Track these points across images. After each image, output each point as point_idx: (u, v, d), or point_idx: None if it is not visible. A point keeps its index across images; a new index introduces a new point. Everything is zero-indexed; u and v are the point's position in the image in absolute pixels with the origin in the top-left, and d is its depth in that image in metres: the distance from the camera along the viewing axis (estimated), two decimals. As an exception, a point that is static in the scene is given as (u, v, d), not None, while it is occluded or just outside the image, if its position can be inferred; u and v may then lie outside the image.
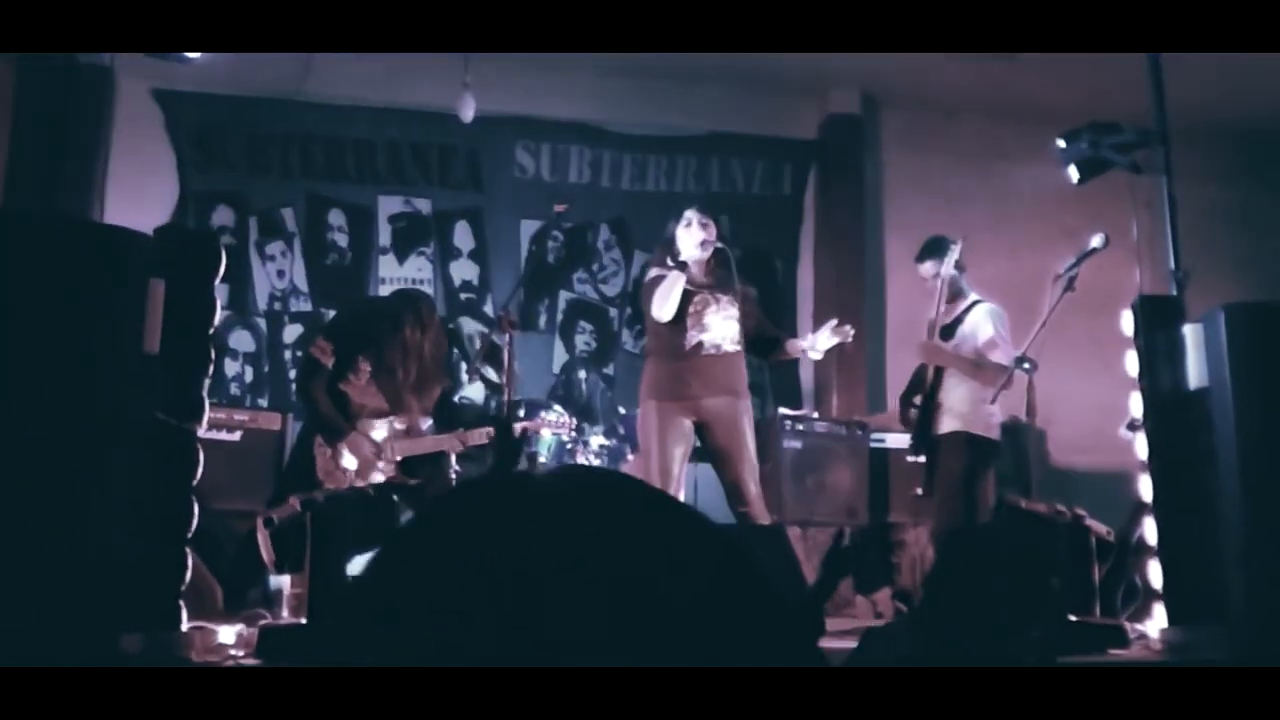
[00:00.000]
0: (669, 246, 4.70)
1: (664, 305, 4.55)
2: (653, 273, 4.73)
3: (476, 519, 1.10)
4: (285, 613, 4.12)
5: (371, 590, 1.18)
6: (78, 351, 3.04)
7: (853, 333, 4.72)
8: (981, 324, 4.94)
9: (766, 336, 4.91)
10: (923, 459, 5.05)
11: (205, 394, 3.35)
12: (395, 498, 4.44)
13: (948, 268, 4.93)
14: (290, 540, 4.19)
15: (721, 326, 4.65)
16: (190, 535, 3.35)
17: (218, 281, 3.37)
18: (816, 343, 4.72)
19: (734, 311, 4.69)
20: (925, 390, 4.95)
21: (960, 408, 4.87)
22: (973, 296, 5.07)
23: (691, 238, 4.65)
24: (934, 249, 5.10)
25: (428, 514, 1.27)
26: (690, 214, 4.73)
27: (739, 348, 4.68)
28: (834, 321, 4.69)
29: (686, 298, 4.61)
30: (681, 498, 4.98)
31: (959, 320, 5.00)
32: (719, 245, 4.72)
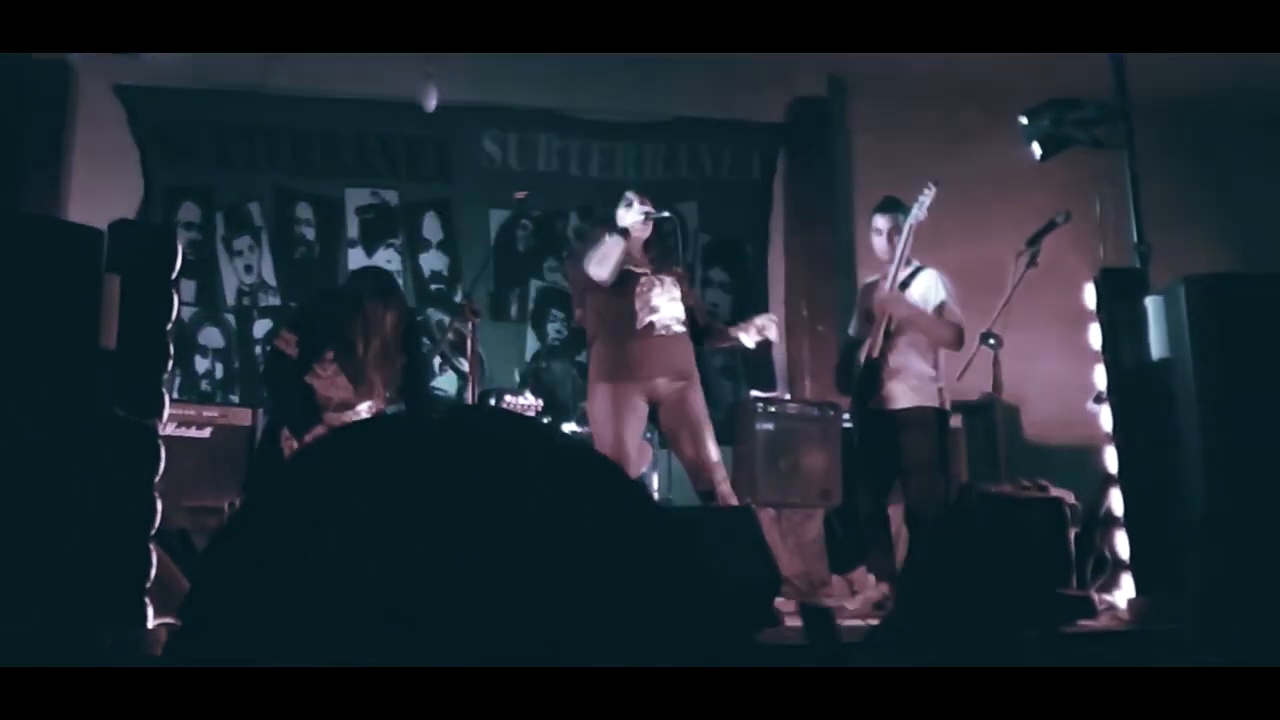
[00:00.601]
0: (609, 226, 4.77)
1: (604, 265, 4.58)
2: (581, 246, 4.83)
3: (359, 458, 1.09)
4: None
5: (244, 532, 1.17)
6: (33, 348, 3.02)
7: (774, 322, 4.80)
8: (932, 287, 4.94)
9: (699, 324, 4.94)
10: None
11: (164, 389, 3.32)
12: None
13: (917, 217, 4.88)
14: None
15: (669, 307, 4.70)
16: (154, 532, 3.34)
17: (175, 275, 3.35)
18: (741, 339, 4.77)
19: (677, 292, 4.75)
20: (871, 356, 4.89)
21: (912, 378, 4.86)
22: (915, 263, 5.07)
23: (631, 214, 4.75)
24: (891, 205, 5.11)
25: (305, 453, 1.27)
26: (629, 194, 4.88)
27: (685, 329, 4.73)
28: (758, 320, 4.77)
29: (631, 278, 4.65)
30: (654, 490, 5.00)
31: (906, 284, 4.98)
32: (664, 215, 4.83)
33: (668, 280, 4.73)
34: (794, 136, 7.71)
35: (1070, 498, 4.11)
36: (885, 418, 4.87)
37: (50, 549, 2.96)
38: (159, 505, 3.30)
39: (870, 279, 5.30)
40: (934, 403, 4.85)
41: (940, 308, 4.88)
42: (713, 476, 4.56)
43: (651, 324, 4.62)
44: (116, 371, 3.17)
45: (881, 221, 5.07)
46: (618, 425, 4.53)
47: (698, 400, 4.66)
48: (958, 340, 4.83)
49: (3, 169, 6.54)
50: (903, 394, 4.85)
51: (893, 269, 4.91)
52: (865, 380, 4.92)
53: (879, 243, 5.08)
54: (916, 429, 4.80)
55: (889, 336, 4.88)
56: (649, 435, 5.23)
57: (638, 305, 4.61)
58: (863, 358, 4.94)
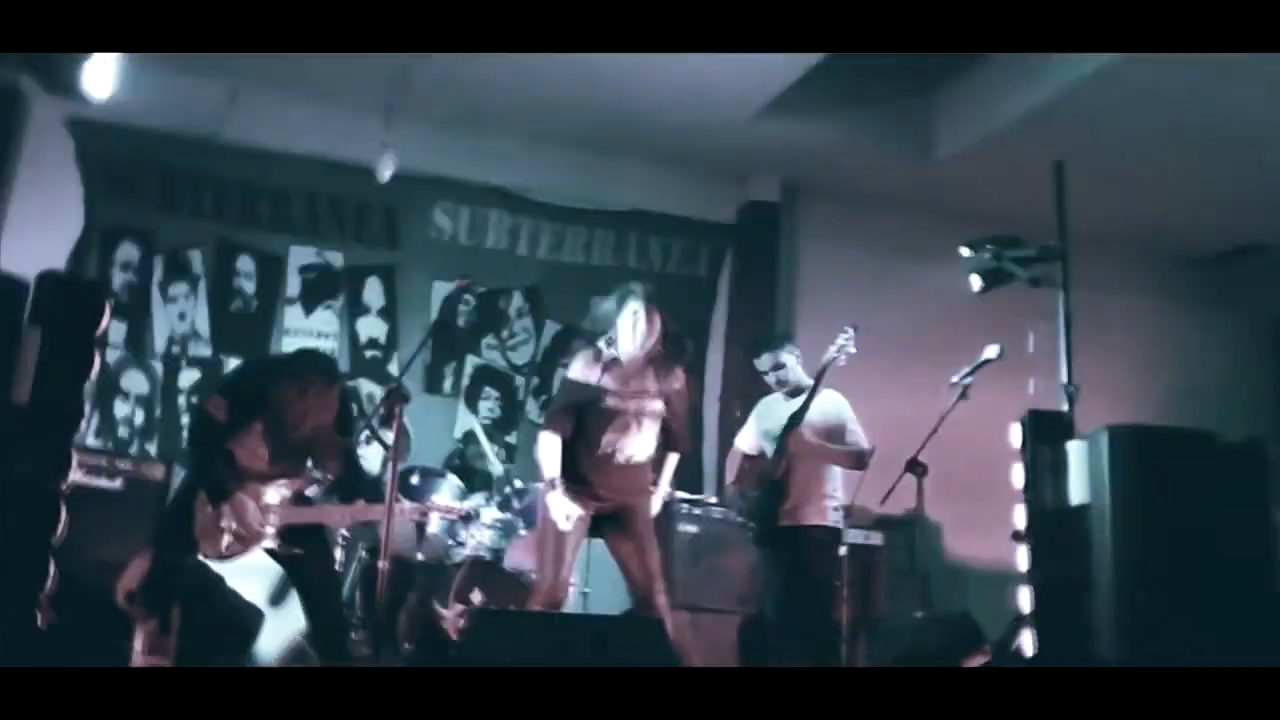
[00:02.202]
0: (605, 333, 4.64)
1: (543, 463, 4.57)
2: (577, 370, 4.66)
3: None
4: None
5: None
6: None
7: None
8: (835, 411, 5.04)
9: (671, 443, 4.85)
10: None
11: (72, 449, 3.23)
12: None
13: (833, 353, 4.98)
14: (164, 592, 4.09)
15: (637, 445, 4.62)
16: (49, 590, 3.23)
17: (99, 334, 3.28)
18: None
19: (655, 429, 4.65)
20: (775, 478, 5.00)
21: (810, 499, 5.00)
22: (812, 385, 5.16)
23: (633, 333, 4.59)
24: (770, 342, 5.33)
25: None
26: (635, 304, 4.62)
27: (649, 458, 4.68)
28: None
29: (611, 414, 4.56)
30: (573, 583, 4.97)
31: (805, 409, 5.06)
32: (673, 334, 4.69)
33: (645, 422, 4.61)
34: (743, 237, 7.80)
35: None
36: (783, 534, 5.00)
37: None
38: (52, 567, 3.19)
39: (770, 397, 5.36)
40: (826, 521, 5.01)
41: (842, 432, 5.01)
42: (653, 587, 4.55)
43: (612, 454, 4.58)
44: (26, 428, 3.07)
45: (765, 361, 5.26)
46: (559, 531, 4.50)
47: (647, 513, 4.65)
48: (859, 462, 5.03)
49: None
50: (797, 512, 5.01)
51: (782, 403, 5.09)
52: (768, 499, 5.03)
53: (770, 380, 5.21)
54: (810, 546, 4.89)
55: (788, 460, 5.02)
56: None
57: (605, 439, 4.56)
58: (763, 476, 5.07)
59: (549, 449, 4.56)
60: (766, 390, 5.41)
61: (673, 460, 4.79)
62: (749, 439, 5.37)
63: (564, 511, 4.43)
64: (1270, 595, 3.76)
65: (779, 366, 5.18)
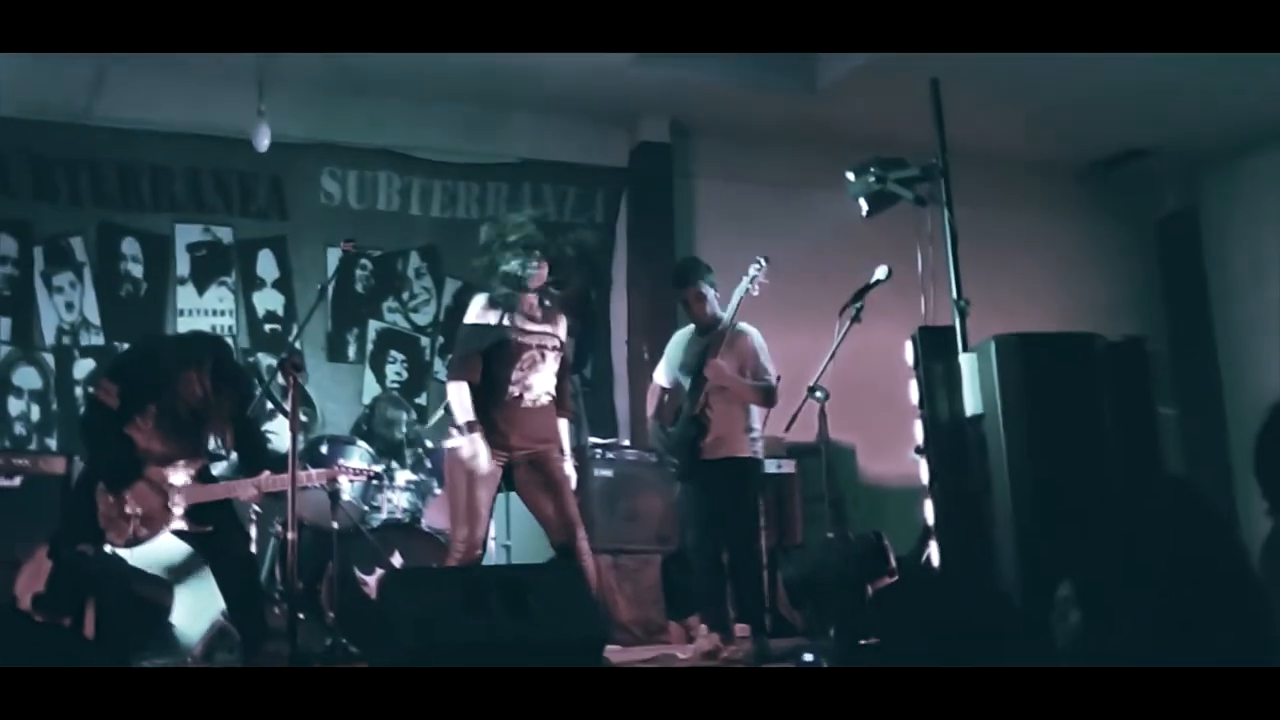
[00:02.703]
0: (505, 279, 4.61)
1: (456, 411, 4.54)
2: (475, 314, 4.64)
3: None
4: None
5: None
6: None
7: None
8: (746, 348, 5.10)
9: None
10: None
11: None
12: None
13: (745, 287, 5.04)
14: (69, 583, 4.02)
15: (541, 383, 4.64)
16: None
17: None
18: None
19: (555, 365, 4.69)
20: (693, 412, 5.05)
21: (729, 432, 5.03)
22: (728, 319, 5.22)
23: (522, 271, 4.60)
24: (690, 271, 5.31)
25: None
26: (523, 256, 4.62)
27: (553, 396, 4.70)
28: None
29: (514, 350, 4.57)
30: (490, 538, 4.97)
31: (719, 340, 5.12)
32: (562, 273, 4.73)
33: (549, 355, 4.65)
34: (637, 180, 7.80)
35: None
36: (705, 467, 5.03)
37: None
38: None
39: (683, 331, 5.40)
40: (745, 453, 5.04)
41: (754, 368, 5.04)
42: (574, 533, 4.56)
43: (520, 396, 4.58)
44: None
45: (693, 290, 5.21)
46: (471, 486, 4.49)
47: (558, 461, 4.66)
48: (768, 399, 5.09)
49: None
50: (718, 447, 5.03)
51: (704, 337, 5.08)
52: (688, 433, 5.05)
53: (696, 308, 5.21)
54: (732, 480, 4.96)
55: (705, 397, 5.06)
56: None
57: (513, 378, 4.56)
58: (683, 411, 5.06)
59: (460, 396, 4.53)
60: (676, 326, 5.45)
61: (564, 426, 4.78)
62: (664, 373, 5.39)
63: (475, 451, 4.41)
64: (1163, 481, 3.91)
65: (699, 296, 5.18)
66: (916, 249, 5.22)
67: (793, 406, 5.07)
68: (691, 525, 5.24)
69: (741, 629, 4.94)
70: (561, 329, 4.76)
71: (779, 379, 5.08)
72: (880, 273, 4.80)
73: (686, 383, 5.16)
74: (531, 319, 4.67)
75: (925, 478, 3.99)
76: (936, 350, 4.00)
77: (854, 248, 6.09)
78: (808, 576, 4.97)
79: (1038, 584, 3.70)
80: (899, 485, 6.64)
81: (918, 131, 4.84)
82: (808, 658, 4.07)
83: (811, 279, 6.95)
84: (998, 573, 3.78)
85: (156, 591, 4.29)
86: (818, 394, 4.72)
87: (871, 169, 4.93)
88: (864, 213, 4.97)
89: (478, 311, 4.63)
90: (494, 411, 4.56)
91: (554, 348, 4.69)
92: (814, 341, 5.26)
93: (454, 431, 4.55)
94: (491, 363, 4.57)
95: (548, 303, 4.73)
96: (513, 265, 4.58)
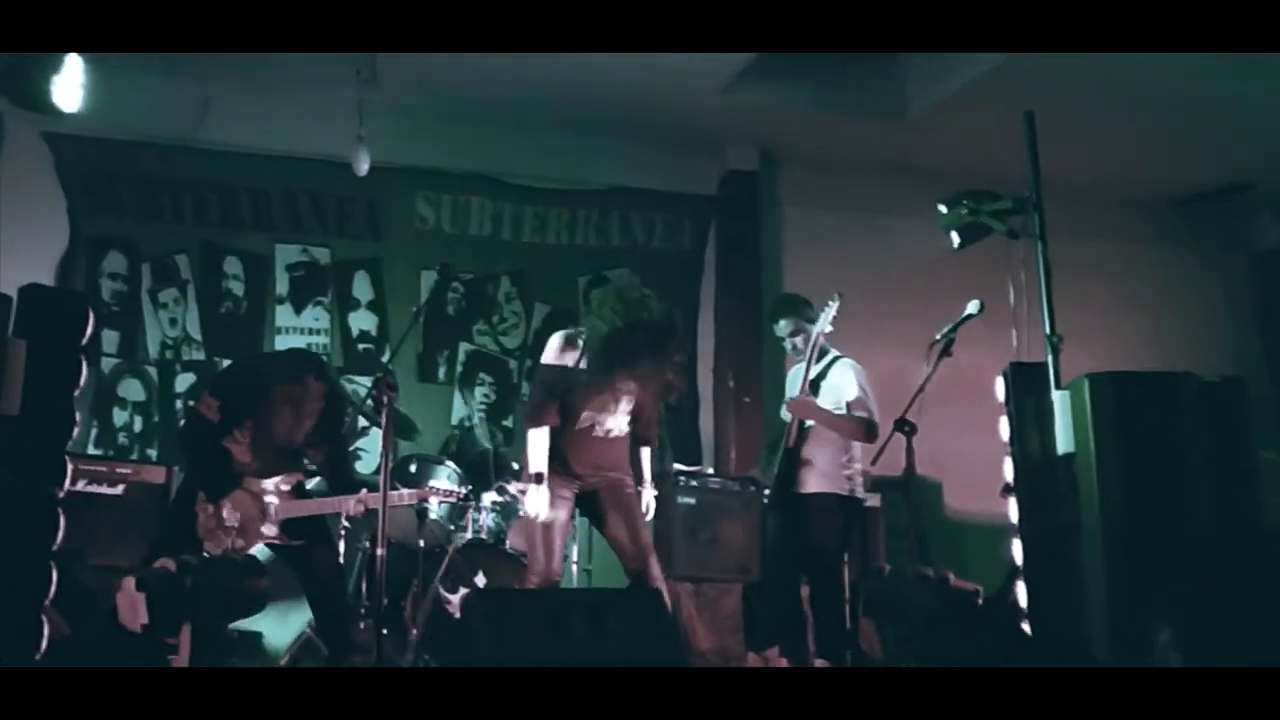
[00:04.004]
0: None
1: (531, 458, 4.49)
2: (551, 356, 4.57)
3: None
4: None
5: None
6: (-69, 414, 2.97)
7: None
8: (845, 382, 5.07)
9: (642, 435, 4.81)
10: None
11: (67, 455, 3.27)
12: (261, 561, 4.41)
13: (823, 328, 5.04)
14: (166, 604, 4.10)
15: (617, 421, 4.61)
16: (50, 599, 3.27)
17: (85, 342, 3.31)
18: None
19: (629, 410, 4.62)
20: (788, 445, 5.04)
21: (823, 466, 4.99)
22: (832, 352, 5.20)
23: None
24: (786, 307, 5.25)
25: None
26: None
27: (627, 432, 4.66)
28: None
29: (587, 394, 4.52)
30: (574, 561, 5.00)
31: (821, 377, 5.11)
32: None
33: (623, 399, 4.57)
34: (726, 208, 7.83)
35: (969, 587, 4.20)
36: (795, 502, 5.03)
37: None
38: (54, 575, 3.24)
39: (795, 366, 5.40)
40: (841, 490, 5.00)
41: (851, 403, 5.00)
42: (646, 559, 4.55)
43: (591, 427, 4.56)
44: (17, 438, 3.12)
45: (783, 327, 5.22)
46: (544, 523, 4.48)
47: (629, 489, 4.63)
48: (868, 434, 5.02)
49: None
50: (811, 481, 5.02)
51: (803, 371, 5.04)
52: (782, 466, 5.07)
53: (787, 346, 5.21)
54: (821, 515, 4.92)
55: (803, 428, 5.04)
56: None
57: (584, 413, 4.53)
58: (782, 446, 5.10)
59: (537, 443, 4.49)
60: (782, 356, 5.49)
61: (646, 454, 4.78)
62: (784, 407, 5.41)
63: (539, 506, 4.39)
64: (1258, 530, 3.81)
65: (795, 332, 5.19)
66: (1007, 282, 5.17)
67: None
68: (774, 557, 5.22)
69: (820, 663, 4.90)
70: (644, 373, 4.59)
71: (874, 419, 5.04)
72: (972, 307, 4.75)
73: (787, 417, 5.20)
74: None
75: (1014, 516, 3.93)
76: (1028, 386, 3.95)
77: (940, 278, 6.06)
78: (890, 597, 4.93)
79: (1128, 627, 3.65)
80: (983, 522, 6.55)
81: (1008, 162, 4.80)
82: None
83: (897, 309, 6.91)
84: (1086, 613, 3.71)
85: (254, 582, 4.37)
86: (905, 429, 4.68)
87: (964, 201, 4.90)
88: (955, 244, 4.94)
89: (554, 352, 4.58)
90: (565, 441, 4.54)
91: (628, 391, 4.59)
92: (900, 373, 5.23)
93: (525, 477, 4.53)
94: (566, 402, 4.54)
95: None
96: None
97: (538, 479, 4.42)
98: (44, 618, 3.20)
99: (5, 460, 3.10)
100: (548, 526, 4.47)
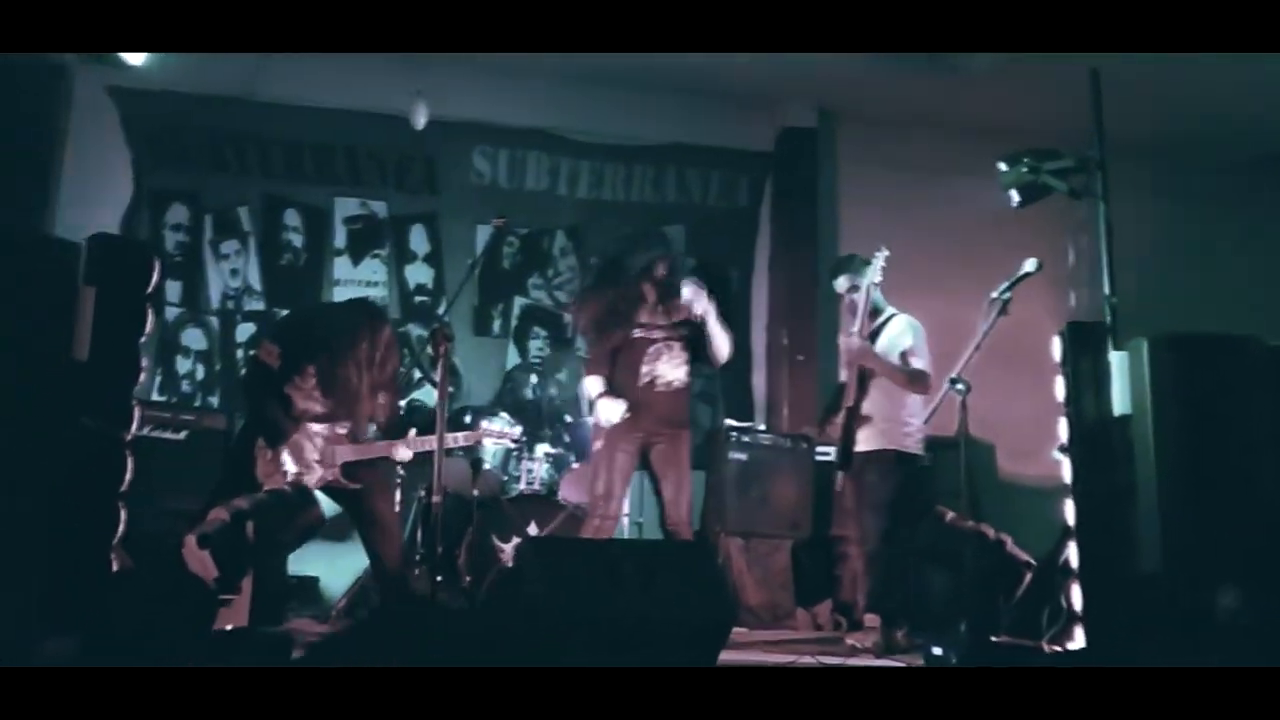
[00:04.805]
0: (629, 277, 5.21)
1: (589, 387, 5.06)
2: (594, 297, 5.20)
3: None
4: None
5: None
6: (5, 358, 3.06)
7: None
8: (901, 335, 5.04)
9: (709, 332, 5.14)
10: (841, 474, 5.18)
11: (134, 400, 3.36)
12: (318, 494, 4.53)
13: (873, 279, 4.99)
14: (230, 554, 4.21)
15: (672, 371, 5.02)
16: (119, 539, 3.38)
17: (150, 291, 3.39)
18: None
19: (684, 355, 5.06)
20: (850, 402, 5.02)
21: (881, 423, 4.96)
22: (889, 310, 5.15)
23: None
24: (847, 265, 5.21)
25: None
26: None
27: (687, 381, 5.08)
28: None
29: (639, 345, 5.00)
30: (624, 514, 5.17)
31: (877, 332, 5.07)
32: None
33: (676, 346, 5.05)
34: (782, 165, 7.76)
35: (1023, 556, 4.20)
36: (857, 458, 5.03)
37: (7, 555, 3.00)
38: (123, 514, 3.34)
39: (852, 328, 5.38)
40: (896, 446, 4.95)
41: (905, 354, 4.96)
42: (683, 520, 4.93)
43: (653, 380, 4.98)
44: (87, 383, 3.21)
45: (842, 283, 5.18)
46: (609, 467, 4.92)
47: (686, 450, 5.04)
48: (922, 385, 4.95)
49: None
50: (868, 437, 4.99)
51: (858, 323, 5.00)
52: (845, 424, 5.05)
53: (843, 302, 5.18)
54: (874, 469, 4.91)
55: (862, 383, 5.00)
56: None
57: (643, 369, 4.99)
58: (842, 404, 5.08)
59: (593, 381, 5.03)
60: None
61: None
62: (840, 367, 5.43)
63: (611, 413, 4.88)
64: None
65: (854, 289, 5.15)
66: (1066, 241, 5.11)
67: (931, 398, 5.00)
68: (833, 513, 5.26)
69: (871, 619, 4.92)
70: (690, 312, 5.07)
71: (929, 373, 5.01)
72: (1030, 265, 4.68)
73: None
74: (653, 313, 5.05)
75: (1068, 477, 3.91)
76: (1085, 347, 3.90)
77: (998, 237, 5.98)
78: (947, 548, 4.97)
79: (1184, 586, 3.63)
80: (1035, 484, 6.50)
81: (1070, 120, 4.71)
82: (936, 651, 4.03)
83: (954, 265, 6.83)
84: (1139, 576, 3.69)
85: (308, 512, 4.51)
86: (959, 386, 4.64)
87: (1025, 159, 4.85)
88: (1015, 203, 4.89)
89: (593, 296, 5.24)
90: (630, 394, 4.92)
91: (680, 338, 5.05)
92: (955, 325, 5.16)
93: (593, 405, 4.95)
94: (621, 360, 5.01)
95: (669, 296, 5.07)
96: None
97: (604, 392, 4.94)
98: (112, 555, 3.31)
99: (74, 404, 3.20)
100: (612, 466, 4.83)
